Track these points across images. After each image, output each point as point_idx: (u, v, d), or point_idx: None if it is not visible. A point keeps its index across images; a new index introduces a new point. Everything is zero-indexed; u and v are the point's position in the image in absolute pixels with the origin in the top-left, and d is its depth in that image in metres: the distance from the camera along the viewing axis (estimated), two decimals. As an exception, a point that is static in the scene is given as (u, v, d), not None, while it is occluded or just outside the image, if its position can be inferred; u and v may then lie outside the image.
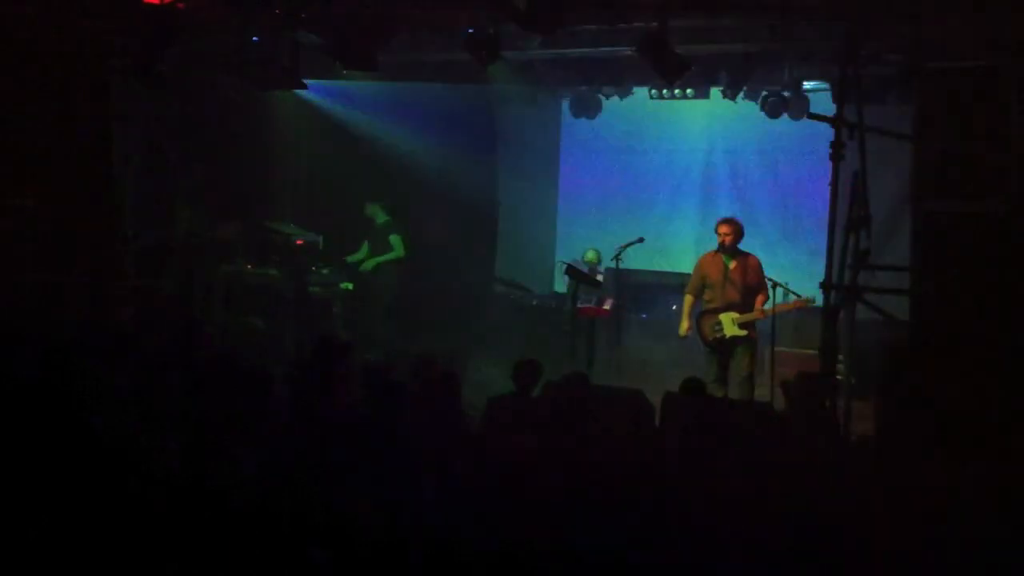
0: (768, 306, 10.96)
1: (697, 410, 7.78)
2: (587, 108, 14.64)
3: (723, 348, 10.81)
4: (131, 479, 5.67)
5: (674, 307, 13.21)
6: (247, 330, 12.67)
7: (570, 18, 10.42)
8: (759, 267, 10.94)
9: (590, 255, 13.96)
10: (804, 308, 11.44)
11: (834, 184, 8.82)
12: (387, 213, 14.21)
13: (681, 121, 15.13)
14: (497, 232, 16.21)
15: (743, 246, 10.97)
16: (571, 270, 12.64)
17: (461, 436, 6.99)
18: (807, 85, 12.81)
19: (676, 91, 13.23)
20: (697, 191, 15.34)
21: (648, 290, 14.21)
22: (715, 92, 13.34)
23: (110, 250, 11.77)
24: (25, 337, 7.65)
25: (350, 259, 14.19)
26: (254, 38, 11.61)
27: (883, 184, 10.23)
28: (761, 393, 10.75)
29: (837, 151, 8.82)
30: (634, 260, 12.76)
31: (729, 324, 10.73)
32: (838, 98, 9.55)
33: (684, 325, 11.16)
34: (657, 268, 14.55)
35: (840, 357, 9.83)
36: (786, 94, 12.73)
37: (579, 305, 12.55)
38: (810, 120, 11.07)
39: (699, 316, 11.08)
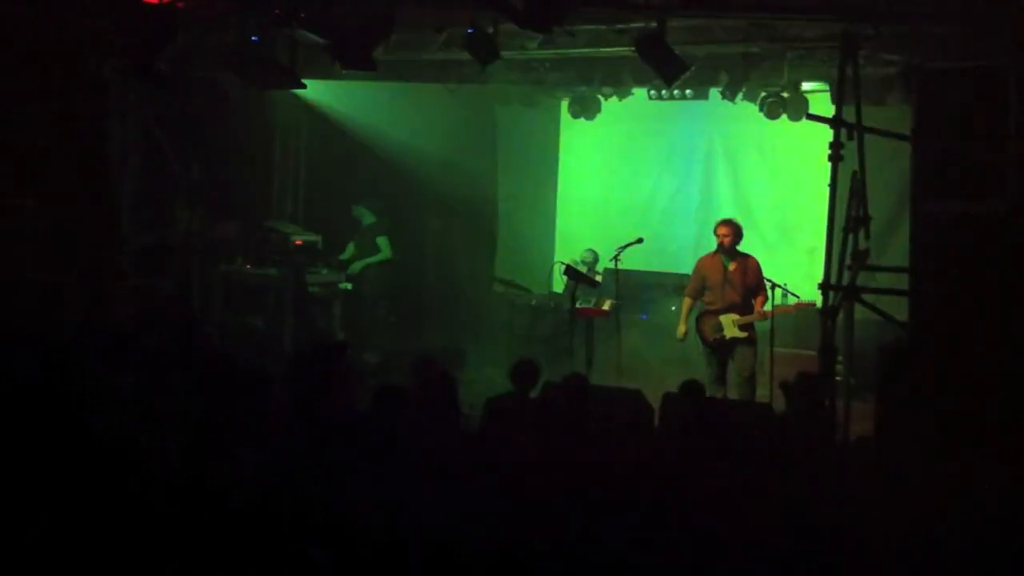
0: (768, 307, 10.98)
1: (696, 410, 7.78)
2: (586, 109, 14.62)
3: (723, 349, 10.82)
4: (131, 479, 5.67)
5: (673, 308, 13.21)
6: (247, 330, 12.68)
7: (569, 18, 10.42)
8: (758, 268, 10.95)
9: (587, 255, 13.97)
10: (804, 309, 11.47)
11: (833, 185, 8.82)
12: (374, 214, 14.21)
13: (680, 122, 15.14)
14: (496, 232, 16.23)
15: (742, 247, 10.98)
16: (570, 271, 12.63)
17: (460, 436, 6.99)
18: (806, 86, 12.80)
19: (675, 92, 13.22)
20: (696, 192, 15.34)
21: (647, 291, 14.20)
22: (714, 93, 13.33)
23: (110, 250, 11.76)
24: (25, 337, 7.65)
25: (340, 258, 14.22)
26: (253, 37, 11.60)
27: (882, 185, 10.24)
28: (761, 394, 10.75)
29: (836, 152, 8.81)
30: (633, 261, 12.76)
31: (729, 325, 10.74)
32: (837, 99, 9.55)
33: (681, 328, 11.17)
34: (656, 269, 14.55)
35: (839, 358, 9.84)
36: (785, 95, 12.71)
37: (578, 306, 12.54)
38: (809, 121, 11.10)
39: (699, 317, 11.09)
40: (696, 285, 11.12)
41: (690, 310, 11.19)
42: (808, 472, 6.53)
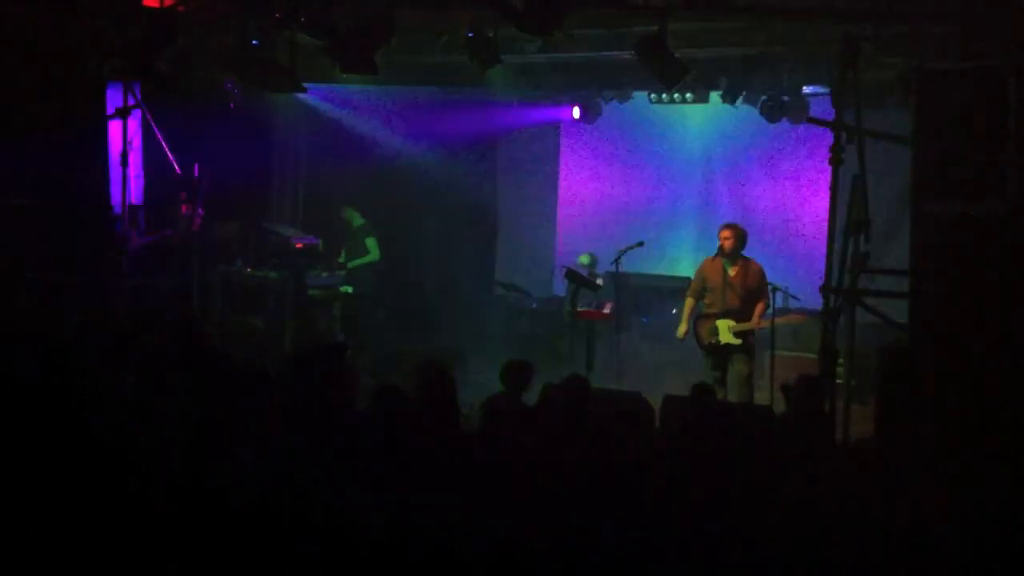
0: (769, 313, 10.97)
1: (697, 413, 7.77)
2: (587, 112, 14.64)
3: (719, 353, 10.83)
4: (131, 479, 5.66)
5: (674, 311, 13.22)
6: (247, 331, 12.68)
7: (569, 21, 10.42)
8: (760, 274, 10.94)
9: (584, 259, 13.99)
10: (802, 316, 11.49)
11: (833, 188, 8.82)
12: (363, 216, 14.22)
13: (680, 125, 15.18)
14: (496, 236, 16.24)
15: (747, 252, 10.97)
16: (571, 274, 12.64)
17: (460, 437, 6.98)
18: (806, 89, 12.82)
19: (675, 95, 13.25)
20: (696, 195, 15.37)
21: (648, 294, 14.22)
22: (714, 96, 13.35)
23: (110, 250, 11.75)
24: (25, 337, 7.64)
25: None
26: (253, 40, 11.60)
27: (883, 187, 10.23)
28: (761, 396, 10.76)
29: (836, 155, 8.81)
30: (634, 264, 12.77)
31: (725, 331, 10.75)
32: (837, 102, 9.55)
33: (682, 328, 11.20)
34: (657, 272, 14.56)
35: (840, 360, 9.84)
36: (785, 98, 12.74)
37: (578, 308, 12.55)
38: (809, 124, 11.11)
39: (697, 319, 11.11)
40: (698, 287, 11.15)
41: (692, 311, 11.19)
42: (808, 474, 6.52)
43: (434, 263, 15.59)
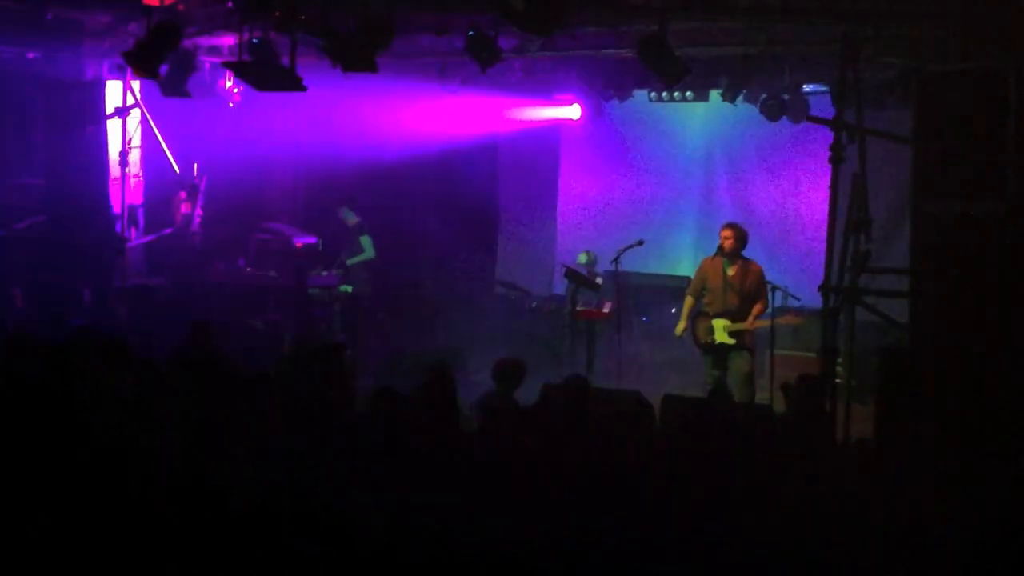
0: (768, 312, 10.97)
1: (697, 412, 7.77)
2: (587, 111, 14.64)
3: (716, 352, 10.83)
4: (131, 479, 5.67)
5: (673, 310, 13.23)
6: (247, 331, 12.68)
7: (569, 20, 10.42)
8: (760, 275, 10.92)
9: (582, 258, 13.99)
10: (800, 316, 11.49)
11: (834, 187, 8.82)
12: (357, 215, 14.22)
13: (681, 124, 15.17)
14: (497, 235, 16.24)
15: (746, 252, 10.97)
16: (571, 273, 12.64)
17: (460, 437, 6.98)
18: (806, 88, 12.82)
19: (676, 94, 13.25)
20: (697, 194, 15.36)
21: (648, 293, 14.22)
22: (715, 95, 13.37)
23: (109, 251, 11.77)
24: (25, 337, 7.65)
25: None
26: (254, 39, 11.60)
27: (883, 187, 10.24)
28: (761, 396, 10.75)
29: (837, 154, 8.80)
30: (634, 263, 12.78)
31: (720, 330, 10.75)
32: (838, 101, 9.55)
33: (681, 326, 11.20)
34: (657, 271, 14.57)
35: (840, 360, 9.84)
36: (785, 97, 12.72)
37: (578, 308, 12.55)
38: (810, 123, 11.10)
39: (695, 318, 11.10)
40: (698, 286, 11.15)
41: (691, 309, 11.18)
42: (808, 473, 6.52)
43: (434, 262, 15.58)
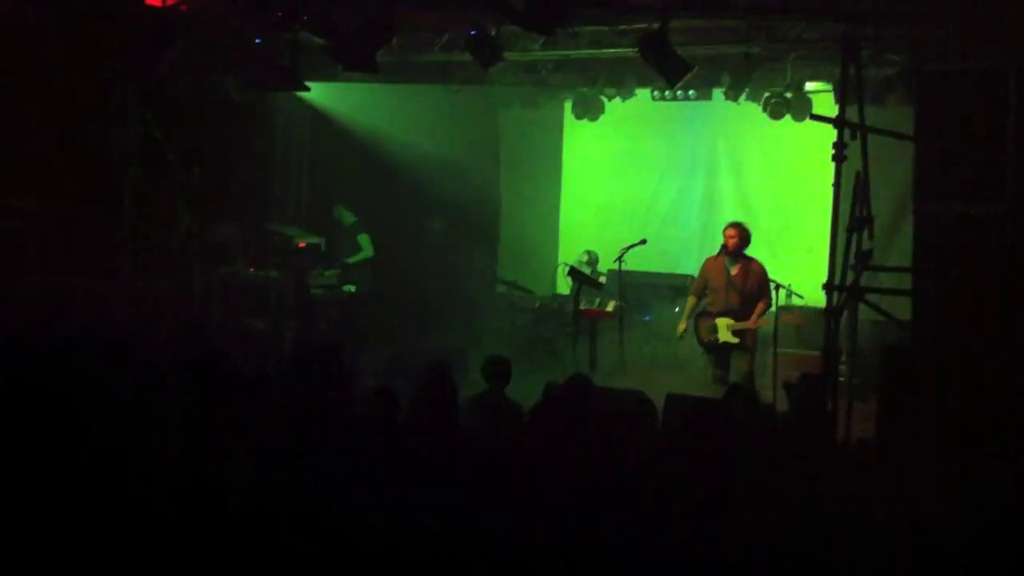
0: (771, 311, 10.97)
1: (698, 412, 7.78)
2: (589, 110, 14.63)
3: (718, 351, 10.82)
4: (131, 479, 5.66)
5: (676, 309, 13.22)
6: (247, 331, 12.68)
7: (571, 19, 10.42)
8: (763, 273, 10.91)
9: (582, 257, 14.00)
10: (806, 311, 11.48)
11: (836, 185, 8.80)
12: (354, 214, 14.21)
13: (683, 122, 15.15)
14: (499, 234, 16.24)
15: (749, 251, 10.96)
16: (574, 272, 12.65)
17: (460, 437, 6.98)
18: (809, 86, 12.81)
19: (678, 93, 13.24)
20: (699, 193, 15.37)
21: (650, 292, 14.21)
22: (717, 93, 13.34)
23: (110, 251, 11.77)
24: (26, 338, 7.65)
25: None
26: (255, 39, 11.61)
27: (885, 185, 10.22)
28: (763, 395, 10.73)
29: (839, 152, 8.79)
30: (636, 262, 12.77)
31: (723, 330, 10.74)
32: (840, 99, 9.54)
33: (681, 326, 11.18)
34: (659, 270, 14.55)
35: (842, 358, 9.83)
36: (788, 95, 12.73)
37: (581, 307, 12.55)
38: (812, 121, 11.08)
39: (697, 317, 11.09)
40: (700, 285, 11.13)
41: (693, 309, 11.17)
42: (809, 472, 6.52)
43: (436, 262, 15.58)
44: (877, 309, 8.83)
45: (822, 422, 7.90)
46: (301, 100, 14.37)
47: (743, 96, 12.95)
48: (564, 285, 14.17)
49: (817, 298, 10.71)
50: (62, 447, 5.86)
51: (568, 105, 15.17)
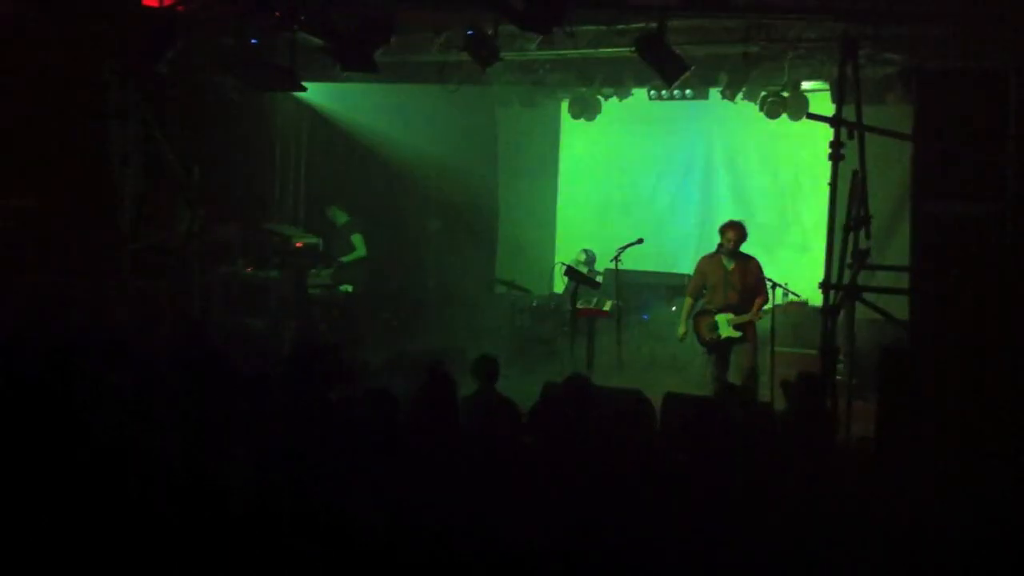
0: (768, 307, 10.98)
1: (697, 411, 7.77)
2: (586, 109, 14.64)
3: (719, 349, 10.83)
4: (131, 479, 5.67)
5: (673, 308, 13.24)
6: (247, 332, 12.68)
7: (569, 19, 10.41)
8: (759, 270, 10.94)
9: (579, 256, 14.00)
10: (802, 306, 11.49)
11: (833, 184, 8.81)
12: (347, 214, 14.21)
13: (680, 122, 15.15)
14: (497, 233, 16.24)
15: (745, 249, 10.98)
16: (571, 271, 12.66)
17: (460, 437, 6.99)
18: (806, 85, 12.82)
19: (675, 92, 13.24)
20: (696, 192, 15.38)
21: (648, 291, 14.21)
22: (714, 93, 13.36)
23: (110, 251, 11.76)
24: (26, 338, 7.65)
25: None
26: (253, 39, 11.60)
27: (882, 184, 10.23)
28: (761, 393, 10.75)
29: (836, 151, 8.80)
30: (634, 261, 12.78)
31: (724, 325, 10.75)
32: (837, 98, 9.54)
33: (681, 327, 11.18)
34: (657, 269, 14.56)
35: (840, 357, 9.83)
36: (785, 94, 12.74)
37: (578, 306, 12.55)
38: (809, 120, 11.09)
39: (696, 316, 11.11)
40: (697, 285, 11.14)
41: (691, 309, 11.18)
42: (808, 472, 6.53)
43: (434, 261, 15.59)
44: (874, 308, 8.85)
45: (821, 421, 7.91)
46: (299, 100, 14.38)
47: (740, 95, 12.96)
48: (561, 284, 14.17)
49: (814, 297, 10.73)
50: (62, 447, 5.86)
51: (565, 104, 15.15)
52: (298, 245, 13.61)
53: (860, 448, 8.22)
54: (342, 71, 11.80)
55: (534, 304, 14.23)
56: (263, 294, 13.18)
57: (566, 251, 15.07)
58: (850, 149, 8.79)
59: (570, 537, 5.20)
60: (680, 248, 15.00)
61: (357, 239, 14.11)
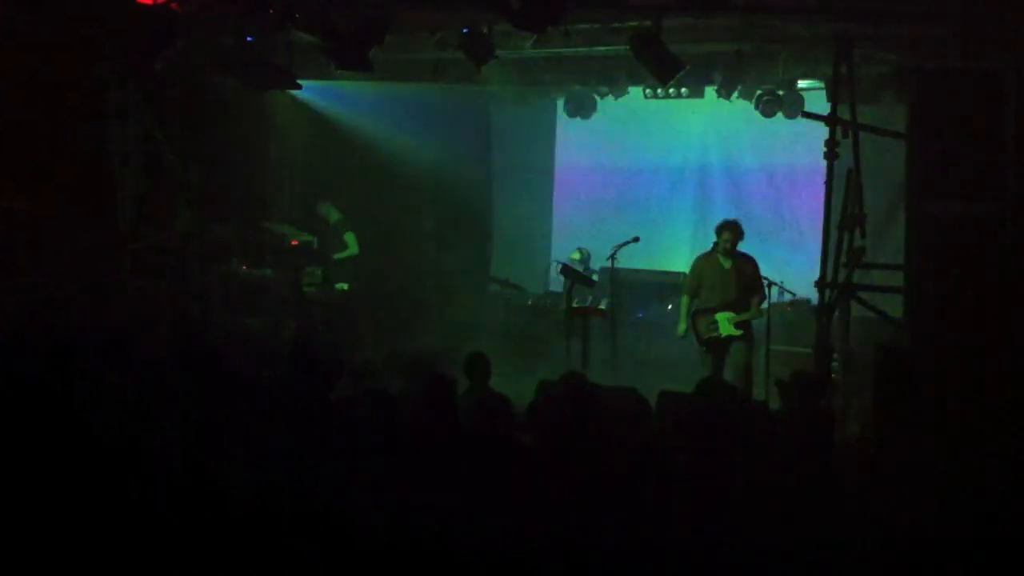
0: (764, 307, 10.99)
1: (692, 410, 7.78)
2: (582, 107, 14.65)
3: (718, 347, 10.83)
4: (131, 479, 5.67)
5: (669, 307, 13.25)
6: (244, 331, 12.67)
7: (564, 17, 10.42)
8: (756, 268, 10.95)
9: (575, 255, 14.00)
10: (798, 305, 11.51)
11: (828, 182, 8.84)
12: (339, 211, 14.19)
13: (676, 120, 15.15)
14: (492, 232, 16.24)
15: (741, 247, 10.99)
16: (567, 270, 12.66)
17: (459, 436, 6.99)
18: (801, 84, 12.83)
19: (671, 90, 13.25)
20: (692, 190, 15.39)
21: (643, 289, 14.22)
22: (710, 91, 13.37)
23: (109, 251, 11.76)
24: (26, 338, 7.65)
25: None
26: (248, 38, 11.59)
27: (877, 182, 10.25)
28: (756, 392, 10.76)
29: (831, 150, 8.84)
30: (629, 260, 12.78)
31: (725, 323, 10.75)
32: (832, 97, 9.57)
33: (682, 325, 11.15)
34: (652, 268, 14.56)
35: (834, 355, 9.85)
36: (780, 93, 12.76)
37: (574, 305, 12.55)
38: (804, 119, 11.11)
39: (694, 315, 11.09)
40: (693, 284, 11.12)
41: (690, 307, 11.15)
42: (805, 470, 6.55)
43: (430, 260, 15.59)
44: (869, 307, 8.88)
45: (817, 419, 7.93)
46: (295, 98, 14.36)
47: (735, 94, 12.98)
48: (557, 283, 14.18)
49: (809, 295, 10.77)
50: (62, 447, 5.86)
51: (560, 103, 15.16)
52: (293, 243, 13.59)
53: (859, 448, 8.24)
54: (337, 69, 11.81)
55: (529, 303, 14.24)
56: (261, 293, 13.17)
57: (561, 250, 15.06)
58: (845, 147, 8.83)
59: (570, 536, 5.21)
60: (675, 247, 14.99)
61: (350, 237, 14.09)
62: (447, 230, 15.68)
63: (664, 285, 14.06)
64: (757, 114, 13.04)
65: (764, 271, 11.08)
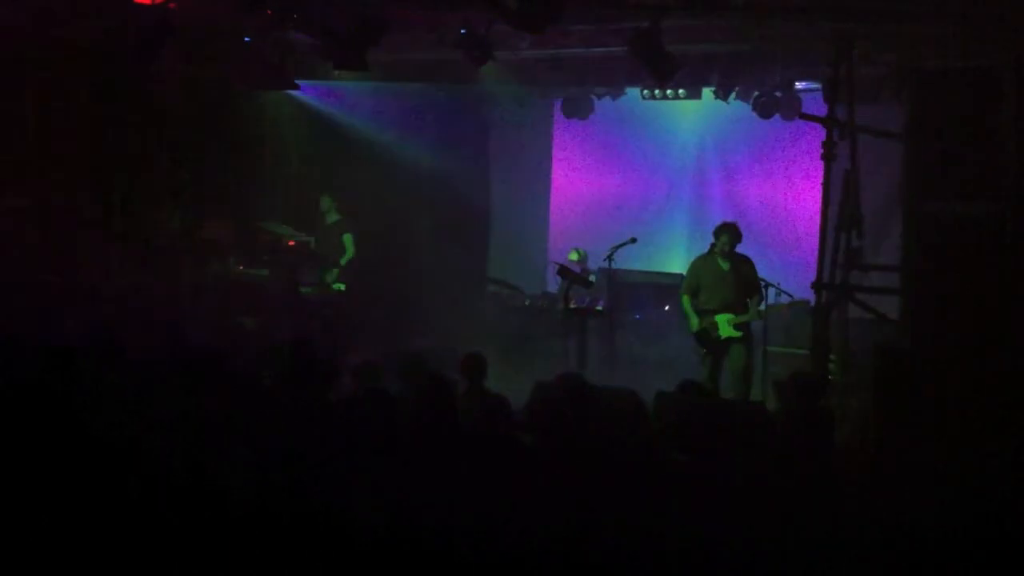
0: (762, 307, 10.98)
1: (690, 409, 7.79)
2: (579, 108, 14.67)
3: (717, 348, 10.83)
4: (131, 479, 5.66)
5: (667, 307, 13.25)
6: (238, 330, 12.66)
7: (562, 17, 10.42)
8: (753, 270, 10.95)
9: (573, 255, 14.01)
10: (797, 306, 11.50)
11: (826, 183, 8.84)
12: (338, 212, 14.15)
13: (673, 121, 15.18)
14: (489, 232, 16.24)
15: (739, 248, 10.98)
16: (563, 270, 12.66)
17: (459, 436, 6.99)
18: (799, 85, 12.84)
19: (668, 91, 13.26)
20: (689, 191, 15.40)
21: (640, 290, 14.20)
22: (707, 92, 13.38)
23: (106, 250, 11.76)
24: (25, 338, 7.64)
25: None
26: (245, 38, 11.60)
27: (875, 183, 10.25)
28: (753, 393, 10.76)
29: (829, 151, 8.84)
30: (626, 260, 12.79)
31: (724, 325, 10.74)
32: (830, 98, 9.57)
33: (694, 320, 10.96)
34: (649, 268, 14.57)
35: (832, 356, 9.85)
36: (778, 94, 12.77)
37: (571, 305, 12.56)
38: (802, 120, 11.11)
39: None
40: (692, 284, 11.09)
41: (693, 305, 11.08)
42: (804, 471, 6.55)
43: (426, 260, 15.58)
44: (867, 307, 8.88)
45: (815, 420, 7.93)
46: (291, 99, 14.35)
47: (733, 95, 12.99)
48: (554, 283, 14.18)
49: (806, 296, 10.76)
50: (62, 448, 5.85)
51: (558, 104, 15.16)
52: (290, 244, 13.58)
53: (859, 448, 8.24)
54: (334, 69, 11.82)
55: (526, 303, 14.24)
56: (256, 293, 13.16)
57: (558, 250, 15.06)
58: (843, 148, 8.83)
59: (569, 536, 5.21)
60: (672, 247, 15.03)
61: (347, 239, 14.08)
62: (444, 230, 15.67)
63: (661, 286, 14.04)
64: (754, 115, 13.04)
65: (761, 272, 11.08)
